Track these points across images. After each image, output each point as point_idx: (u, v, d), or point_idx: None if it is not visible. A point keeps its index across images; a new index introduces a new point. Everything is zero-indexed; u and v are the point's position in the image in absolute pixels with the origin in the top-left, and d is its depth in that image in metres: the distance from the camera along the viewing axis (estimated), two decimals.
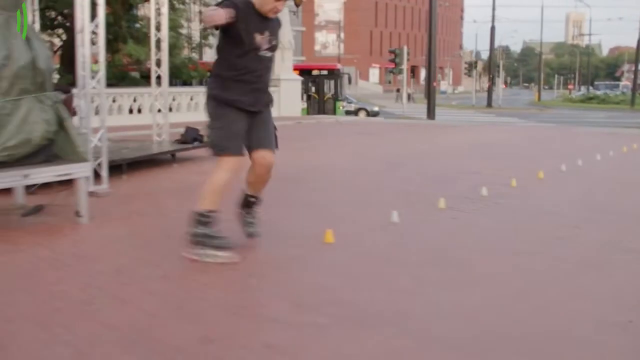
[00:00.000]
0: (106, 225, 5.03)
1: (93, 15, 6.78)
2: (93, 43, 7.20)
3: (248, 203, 4.35)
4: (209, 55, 27.79)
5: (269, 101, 4.20)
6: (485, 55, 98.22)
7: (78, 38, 6.69)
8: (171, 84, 13.76)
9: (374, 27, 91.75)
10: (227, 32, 3.86)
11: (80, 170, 5.08)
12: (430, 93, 24.13)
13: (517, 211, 5.70)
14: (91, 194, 5.78)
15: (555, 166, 8.43)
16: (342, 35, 76.82)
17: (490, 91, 42.08)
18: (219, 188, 3.92)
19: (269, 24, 4.00)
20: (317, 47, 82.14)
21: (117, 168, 7.34)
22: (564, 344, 2.74)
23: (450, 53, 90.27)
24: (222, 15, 3.57)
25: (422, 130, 16.98)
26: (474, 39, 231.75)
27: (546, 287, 3.52)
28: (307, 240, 4.45)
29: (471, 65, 47.02)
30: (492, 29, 41.38)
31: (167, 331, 2.84)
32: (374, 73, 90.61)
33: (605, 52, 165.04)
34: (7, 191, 5.52)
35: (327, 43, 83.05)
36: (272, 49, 4.05)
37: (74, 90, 7.02)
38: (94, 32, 6.85)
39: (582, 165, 8.79)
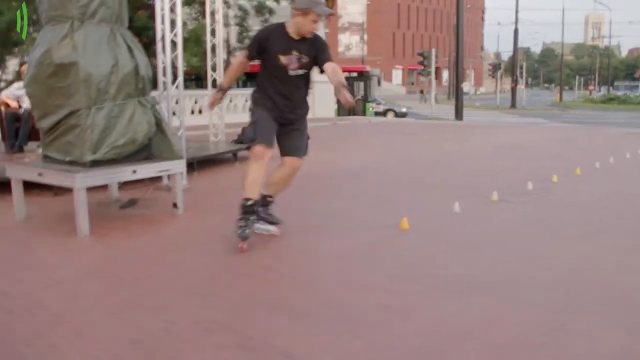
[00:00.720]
0: (200, 216, 5.59)
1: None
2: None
3: (266, 202, 4.73)
4: None
5: (299, 116, 4.61)
6: (505, 56, 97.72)
7: (158, 46, 7.29)
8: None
9: (396, 28, 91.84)
10: (259, 55, 4.40)
11: (177, 167, 5.66)
12: (458, 94, 24.57)
13: (563, 203, 6.17)
14: (171, 189, 6.29)
15: (589, 164, 8.86)
16: (365, 37, 77.08)
17: (514, 92, 42.20)
18: (251, 178, 4.32)
19: (301, 43, 4.35)
20: (340, 49, 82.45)
21: (189, 166, 7.91)
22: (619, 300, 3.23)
23: (472, 54, 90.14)
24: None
25: (454, 130, 17.40)
26: (494, 41, 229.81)
27: (599, 263, 4.00)
28: (386, 228, 4.98)
29: (495, 67, 47.14)
30: (516, 31, 41.61)
31: (293, 294, 3.39)
32: (397, 74, 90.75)
33: (624, 53, 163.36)
34: (103, 187, 6.09)
35: (351, 45, 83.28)
36: (304, 67, 4.38)
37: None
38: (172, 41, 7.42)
39: (613, 163, 9.21)
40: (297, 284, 3.67)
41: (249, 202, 4.35)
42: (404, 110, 31.27)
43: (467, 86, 75.19)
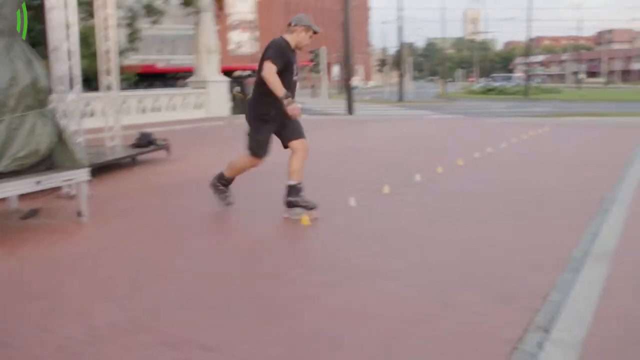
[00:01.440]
0: (106, 222, 5.65)
1: None
2: None
3: (298, 189, 5.45)
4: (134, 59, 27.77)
5: None
6: (392, 52, 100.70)
7: (53, 56, 7.21)
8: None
9: (286, 25, 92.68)
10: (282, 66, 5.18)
11: (81, 175, 5.68)
12: (348, 90, 25.19)
13: (447, 191, 6.73)
14: (73, 197, 6.30)
15: (470, 154, 9.58)
16: (255, 34, 77.08)
17: (401, 86, 43.71)
18: (240, 168, 5.80)
19: (295, 54, 5.44)
20: (231, 47, 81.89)
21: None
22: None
23: (360, 50, 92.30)
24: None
25: (345, 126, 18.01)
26: (380, 37, 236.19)
27: (481, 243, 4.50)
28: (288, 222, 5.29)
29: (383, 62, 48.63)
30: (400, 28, 43.10)
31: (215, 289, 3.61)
32: None
33: (500, 46, 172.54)
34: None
35: (241, 42, 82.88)
36: (298, 73, 5.47)
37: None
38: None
39: (492, 152, 10.01)
40: (209, 279, 3.88)
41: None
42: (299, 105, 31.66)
43: (357, 80, 76.79)
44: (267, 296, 3.54)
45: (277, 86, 5.09)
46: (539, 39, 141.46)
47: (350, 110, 24.38)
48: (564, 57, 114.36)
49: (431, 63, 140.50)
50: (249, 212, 5.85)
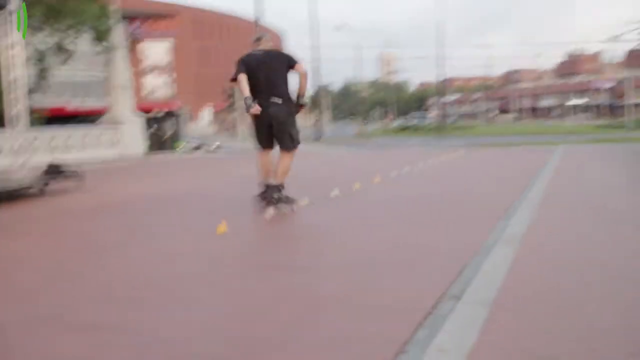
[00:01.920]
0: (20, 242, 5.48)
1: None
2: None
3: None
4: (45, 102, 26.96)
5: None
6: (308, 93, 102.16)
7: None
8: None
9: (202, 68, 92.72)
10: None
11: None
12: None
13: (361, 202, 6.93)
14: None
15: (386, 174, 9.88)
16: (170, 77, 76.69)
17: (318, 126, 44.42)
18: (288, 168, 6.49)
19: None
20: (145, 91, 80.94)
21: None
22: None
23: None
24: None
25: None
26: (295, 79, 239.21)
27: (392, 242, 4.67)
28: (202, 232, 5.32)
29: None
30: (317, 68, 43.96)
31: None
32: (205, 114, 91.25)
33: (414, 87, 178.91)
34: None
35: (156, 86, 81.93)
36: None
37: None
38: None
39: (395, 177, 10.37)
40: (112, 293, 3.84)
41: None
42: (214, 146, 31.64)
43: None
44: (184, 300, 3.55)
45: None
46: (451, 79, 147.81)
47: None
48: (475, 96, 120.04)
49: (349, 104, 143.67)
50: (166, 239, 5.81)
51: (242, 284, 3.61)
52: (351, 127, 57.42)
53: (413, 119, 76.47)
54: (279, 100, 6.22)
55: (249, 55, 6.40)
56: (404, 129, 56.75)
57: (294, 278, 3.71)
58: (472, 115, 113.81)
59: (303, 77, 6.39)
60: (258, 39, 6.63)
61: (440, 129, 50.91)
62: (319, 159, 16.96)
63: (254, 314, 3.02)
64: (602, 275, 3.55)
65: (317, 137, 43.68)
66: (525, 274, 3.61)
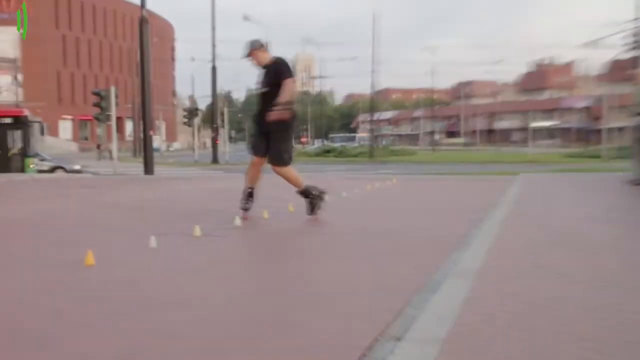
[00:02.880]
0: None
1: None
2: None
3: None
4: None
5: None
6: (203, 103, 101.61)
7: None
8: None
9: (62, 67, 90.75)
10: None
11: None
12: (146, 144, 24.86)
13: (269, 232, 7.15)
14: None
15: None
16: (19, 77, 74.87)
17: (215, 146, 44.42)
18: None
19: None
20: None
21: None
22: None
23: (162, 101, 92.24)
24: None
25: (144, 184, 18.13)
26: (187, 83, 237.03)
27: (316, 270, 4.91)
28: (68, 264, 5.40)
29: (192, 113, 48.58)
30: (214, 69, 43.87)
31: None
32: (66, 126, 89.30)
33: (340, 100, 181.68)
34: None
35: (1, 87, 79.43)
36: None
37: None
38: None
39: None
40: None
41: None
42: (77, 167, 31.21)
43: (157, 140, 76.70)
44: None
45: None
46: (387, 90, 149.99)
47: (148, 168, 24.00)
48: (417, 113, 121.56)
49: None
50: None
51: None
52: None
53: (337, 141, 77.78)
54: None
55: None
56: (324, 152, 57.78)
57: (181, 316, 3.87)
58: (413, 137, 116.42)
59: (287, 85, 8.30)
60: (263, 45, 8.63)
61: (370, 153, 52.16)
62: (213, 183, 17.10)
63: None
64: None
65: (214, 160, 43.69)
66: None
